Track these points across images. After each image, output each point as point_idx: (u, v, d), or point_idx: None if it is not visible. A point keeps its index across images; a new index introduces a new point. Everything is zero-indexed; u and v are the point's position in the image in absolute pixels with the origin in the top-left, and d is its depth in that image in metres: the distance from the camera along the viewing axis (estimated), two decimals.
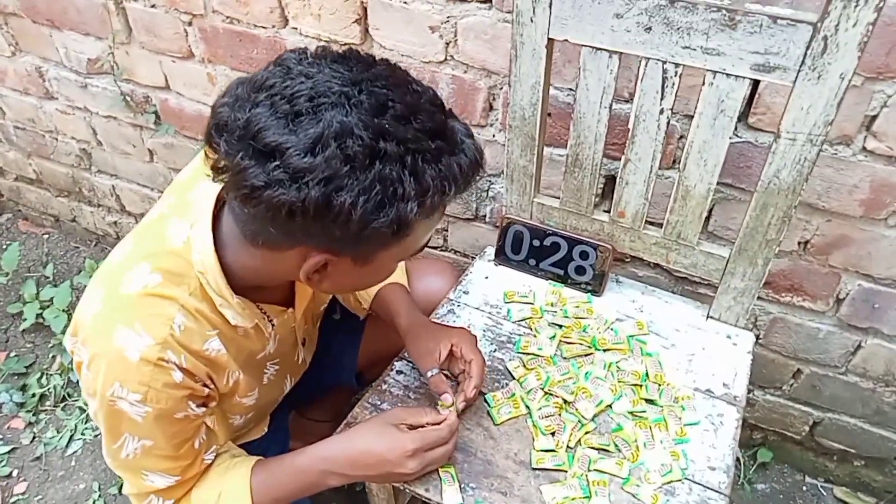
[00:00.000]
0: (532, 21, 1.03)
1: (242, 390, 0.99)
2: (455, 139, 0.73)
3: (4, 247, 2.36)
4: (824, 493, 1.62)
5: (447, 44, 1.30)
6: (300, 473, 0.95)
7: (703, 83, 0.97)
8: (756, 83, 1.09)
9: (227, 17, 1.52)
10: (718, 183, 1.24)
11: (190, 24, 1.57)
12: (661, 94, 1.01)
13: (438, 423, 0.95)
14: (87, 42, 1.76)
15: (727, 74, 0.94)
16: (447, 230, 1.62)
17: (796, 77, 0.90)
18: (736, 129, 1.17)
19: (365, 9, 1.34)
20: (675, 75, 0.98)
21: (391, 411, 0.98)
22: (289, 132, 0.66)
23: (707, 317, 1.23)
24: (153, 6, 1.58)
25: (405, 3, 1.28)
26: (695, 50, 0.94)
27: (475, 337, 1.08)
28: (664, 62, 0.98)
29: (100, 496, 1.69)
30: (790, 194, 1.00)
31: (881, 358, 1.36)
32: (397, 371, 1.14)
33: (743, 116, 1.16)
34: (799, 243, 1.28)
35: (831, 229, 1.23)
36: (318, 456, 0.95)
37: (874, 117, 1.08)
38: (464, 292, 1.28)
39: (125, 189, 2.14)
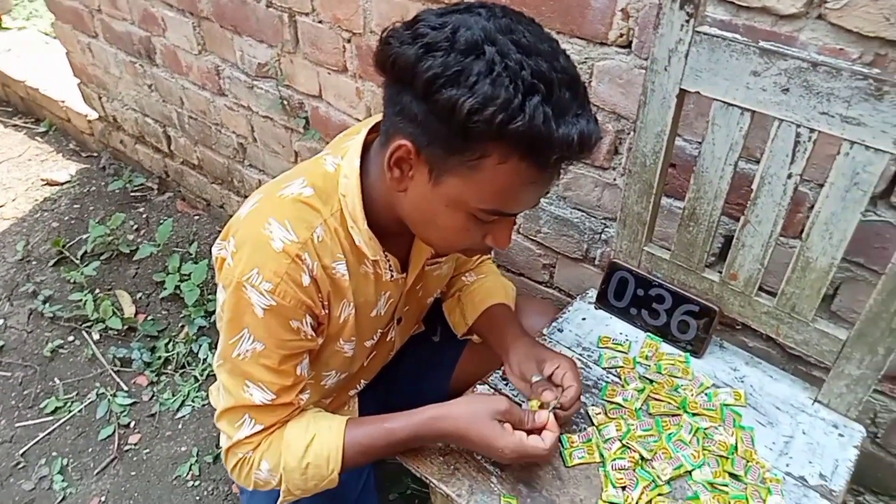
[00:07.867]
0: (666, 70, 1.03)
1: (347, 334, 1.04)
2: (563, 106, 0.77)
3: (161, 221, 2.64)
4: None
5: None
6: (391, 436, 0.97)
7: (839, 152, 0.92)
8: None
9: None
10: (849, 261, 1.17)
11: (349, 41, 1.70)
12: (791, 158, 0.96)
13: (538, 430, 0.97)
14: (260, 48, 1.95)
15: (866, 146, 0.89)
16: (554, 266, 1.62)
17: None
18: (875, 205, 1.10)
19: None
20: (809, 140, 0.94)
21: (496, 400, 0.96)
22: (437, 26, 0.78)
23: (814, 401, 1.14)
24: (320, 21, 1.73)
25: None
26: (833, 117, 0.90)
27: (578, 370, 1.08)
28: (798, 125, 0.94)
29: (196, 461, 1.83)
30: None
31: None
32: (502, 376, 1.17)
33: (885, 194, 1.08)
34: None
35: None
36: (418, 421, 0.97)
37: None
38: (558, 329, 1.28)
39: None
